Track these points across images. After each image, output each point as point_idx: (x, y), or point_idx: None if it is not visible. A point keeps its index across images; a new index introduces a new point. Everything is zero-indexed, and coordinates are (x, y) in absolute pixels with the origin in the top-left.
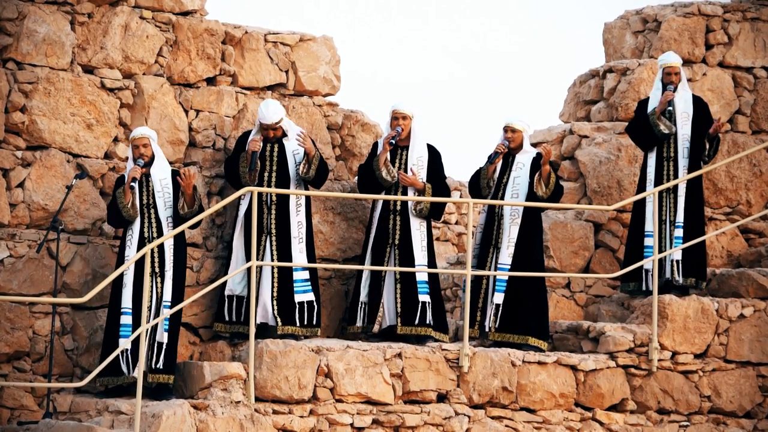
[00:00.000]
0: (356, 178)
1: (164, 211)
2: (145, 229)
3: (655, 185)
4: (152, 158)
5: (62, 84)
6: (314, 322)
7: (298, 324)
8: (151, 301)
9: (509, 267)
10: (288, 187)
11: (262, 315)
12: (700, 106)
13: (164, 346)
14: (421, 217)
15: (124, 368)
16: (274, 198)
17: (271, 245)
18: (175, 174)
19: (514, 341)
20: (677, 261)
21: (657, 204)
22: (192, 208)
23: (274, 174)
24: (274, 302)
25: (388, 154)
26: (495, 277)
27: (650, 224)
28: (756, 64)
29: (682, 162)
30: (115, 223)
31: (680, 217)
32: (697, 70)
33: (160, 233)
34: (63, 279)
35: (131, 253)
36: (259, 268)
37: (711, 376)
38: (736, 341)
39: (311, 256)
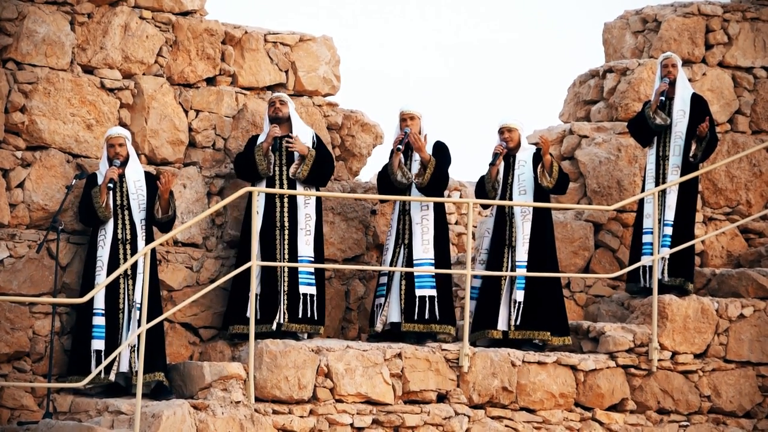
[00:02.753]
0: (356, 178)
1: (138, 213)
2: (119, 231)
3: (654, 184)
4: (127, 158)
5: (62, 84)
6: (315, 318)
7: (300, 316)
8: (123, 303)
9: (526, 264)
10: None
11: (281, 315)
12: (698, 105)
13: (137, 347)
14: (421, 189)
15: (93, 368)
16: (285, 195)
17: (282, 239)
18: (151, 177)
19: (535, 337)
20: (664, 260)
21: (655, 204)
22: (167, 213)
23: (284, 167)
24: (285, 297)
25: (402, 156)
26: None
27: (646, 222)
28: (756, 64)
29: (673, 160)
30: (86, 221)
31: (669, 216)
32: (697, 70)
33: (133, 235)
34: (63, 279)
35: (103, 254)
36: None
37: (711, 376)
38: (735, 341)
39: (319, 250)
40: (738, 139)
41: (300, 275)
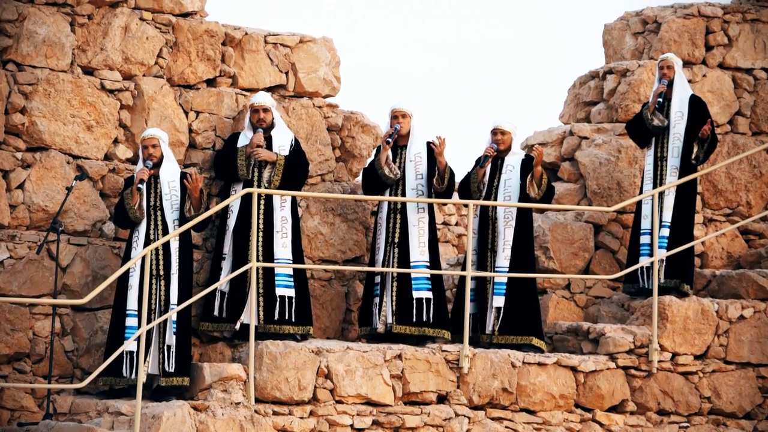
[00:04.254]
0: (357, 179)
1: (171, 214)
2: (151, 231)
3: (652, 185)
4: (161, 159)
5: (62, 85)
6: (293, 320)
7: (277, 317)
8: (155, 304)
9: (507, 269)
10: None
11: (247, 315)
12: (697, 106)
13: (173, 349)
14: (438, 195)
15: (125, 371)
16: (262, 195)
17: (257, 241)
18: (183, 176)
19: (517, 342)
20: (661, 261)
21: (655, 205)
22: (198, 211)
23: (263, 170)
24: (260, 299)
25: (390, 152)
26: (494, 280)
27: (644, 223)
28: (756, 65)
29: (671, 161)
30: (121, 223)
31: (667, 217)
32: (697, 72)
33: (165, 235)
34: (63, 280)
35: (136, 255)
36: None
37: (711, 377)
38: (736, 342)
39: (298, 253)
40: (738, 141)
41: (276, 278)
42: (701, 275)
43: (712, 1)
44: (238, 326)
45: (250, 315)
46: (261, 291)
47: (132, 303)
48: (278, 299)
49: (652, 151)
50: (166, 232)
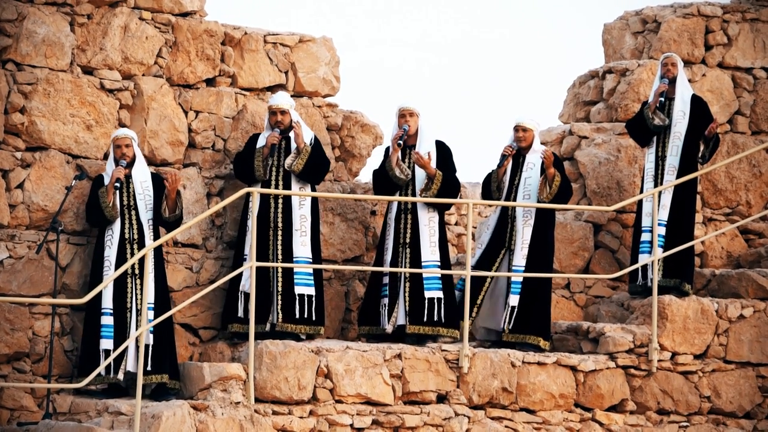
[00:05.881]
0: (356, 178)
1: (145, 213)
2: (126, 231)
3: (653, 184)
4: (133, 159)
5: (62, 85)
6: (314, 318)
7: (297, 316)
8: (131, 303)
9: (524, 269)
10: (291, 180)
11: (275, 315)
12: (698, 105)
13: (150, 348)
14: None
15: (102, 370)
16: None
17: (276, 240)
18: (157, 177)
19: (527, 341)
20: (660, 260)
21: (655, 203)
22: (174, 212)
23: (280, 169)
24: (279, 298)
25: (399, 153)
26: (510, 278)
27: (645, 221)
28: (755, 64)
29: (670, 160)
30: (94, 222)
31: (663, 216)
32: (697, 71)
33: (141, 235)
34: (62, 280)
35: (111, 254)
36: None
37: (711, 376)
38: (735, 342)
39: (317, 251)
40: (738, 140)
41: (296, 276)
42: (701, 275)
43: (712, 1)
44: (268, 327)
45: (250, 315)
46: (280, 290)
47: (107, 302)
48: (297, 298)
49: (654, 150)
50: (141, 231)
